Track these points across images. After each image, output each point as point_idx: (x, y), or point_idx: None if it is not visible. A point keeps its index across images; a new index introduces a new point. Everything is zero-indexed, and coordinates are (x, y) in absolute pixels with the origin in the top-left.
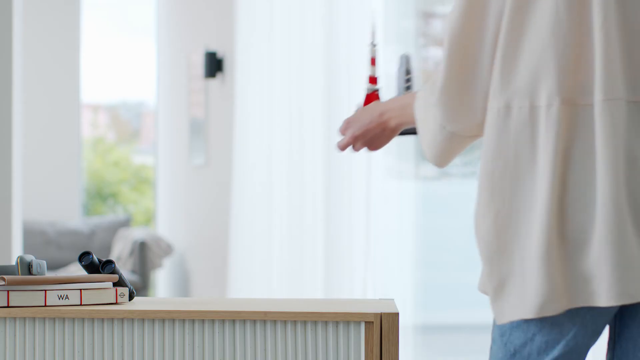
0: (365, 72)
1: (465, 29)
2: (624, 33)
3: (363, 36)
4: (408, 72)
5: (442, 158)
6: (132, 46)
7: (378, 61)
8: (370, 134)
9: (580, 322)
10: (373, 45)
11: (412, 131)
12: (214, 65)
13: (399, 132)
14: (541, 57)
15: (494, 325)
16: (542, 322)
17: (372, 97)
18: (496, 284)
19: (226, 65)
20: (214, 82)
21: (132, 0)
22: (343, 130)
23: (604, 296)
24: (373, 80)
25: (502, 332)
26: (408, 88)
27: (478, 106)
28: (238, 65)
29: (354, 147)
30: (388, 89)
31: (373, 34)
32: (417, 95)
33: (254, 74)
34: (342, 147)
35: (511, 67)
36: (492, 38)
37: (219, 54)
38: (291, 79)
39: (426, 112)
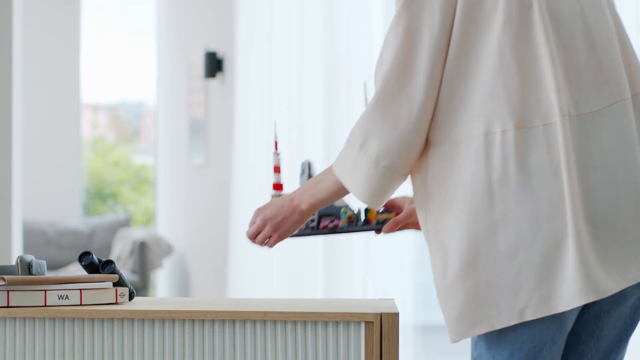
0: (271, 180)
1: (401, 65)
2: (565, 63)
3: (363, 36)
4: (310, 177)
5: (378, 197)
6: (132, 46)
7: (282, 169)
8: (279, 217)
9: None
10: (277, 154)
11: (305, 233)
12: (214, 65)
13: (301, 224)
14: (492, 92)
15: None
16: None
17: None
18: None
19: (226, 65)
20: (214, 82)
21: (132, 0)
22: (254, 218)
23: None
24: (278, 186)
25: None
26: None
27: (418, 140)
28: (238, 65)
29: (264, 233)
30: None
31: (276, 144)
32: (335, 161)
33: (254, 74)
34: (252, 235)
35: (460, 104)
36: (427, 72)
37: (219, 54)
38: (291, 79)
39: (355, 160)
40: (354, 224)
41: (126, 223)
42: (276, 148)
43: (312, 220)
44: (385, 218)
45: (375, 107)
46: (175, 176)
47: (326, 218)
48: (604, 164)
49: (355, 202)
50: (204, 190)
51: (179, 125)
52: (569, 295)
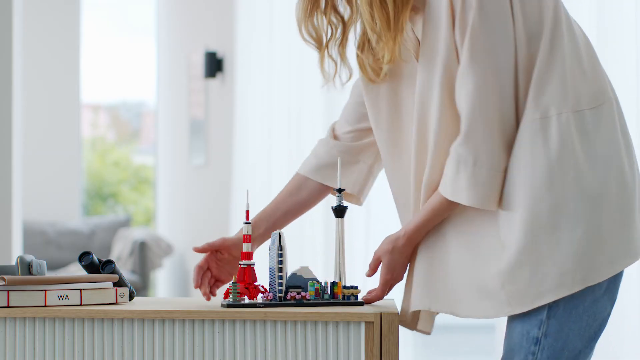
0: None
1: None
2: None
3: None
4: (280, 248)
5: (497, 199)
6: (132, 46)
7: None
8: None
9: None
10: (248, 223)
11: (272, 304)
12: (214, 65)
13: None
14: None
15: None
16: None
17: (247, 270)
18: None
19: (226, 65)
20: (214, 82)
21: (132, 1)
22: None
23: None
24: (248, 255)
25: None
26: (280, 262)
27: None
28: (238, 65)
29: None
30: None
31: (247, 213)
32: (443, 188)
33: (254, 74)
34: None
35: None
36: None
37: (219, 54)
38: (291, 79)
39: (471, 177)
40: (320, 297)
41: (126, 223)
42: (247, 218)
43: (280, 291)
44: (351, 293)
45: (474, 126)
46: (175, 176)
47: (293, 290)
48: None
49: (322, 277)
50: (204, 190)
51: (179, 125)
52: None
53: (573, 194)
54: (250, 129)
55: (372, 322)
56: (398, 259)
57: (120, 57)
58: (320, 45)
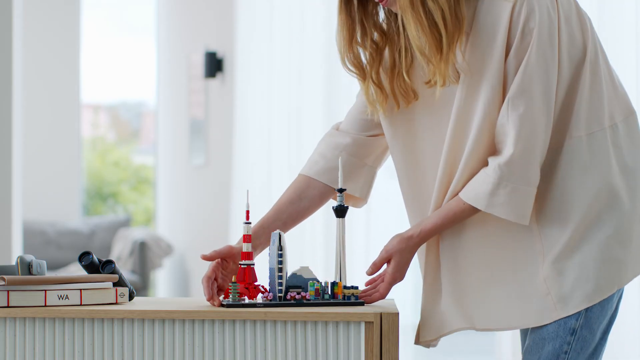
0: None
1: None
2: None
3: None
4: (280, 248)
5: (529, 213)
6: (132, 46)
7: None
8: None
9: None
10: (248, 223)
11: (271, 303)
12: (214, 65)
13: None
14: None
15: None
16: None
17: (247, 270)
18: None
19: (226, 65)
20: (214, 82)
21: (132, 0)
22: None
23: None
24: (248, 255)
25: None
26: (280, 262)
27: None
28: (238, 65)
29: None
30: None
31: (247, 213)
32: (481, 201)
33: (254, 74)
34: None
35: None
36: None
37: (219, 54)
38: (291, 79)
39: (512, 192)
40: (320, 297)
41: (126, 223)
42: (247, 218)
43: (280, 291)
44: (351, 293)
45: (521, 148)
46: (175, 176)
47: (294, 290)
48: None
49: (322, 276)
50: (204, 190)
51: (179, 125)
52: None
53: (609, 203)
54: (250, 129)
55: (372, 322)
56: (408, 258)
57: (120, 57)
58: (363, 74)
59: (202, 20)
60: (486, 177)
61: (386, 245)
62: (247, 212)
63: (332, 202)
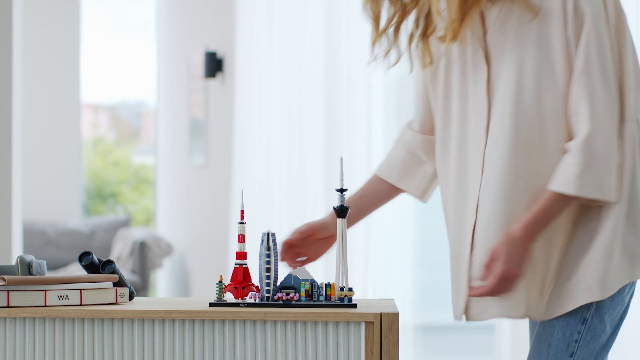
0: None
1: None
2: None
3: (363, 36)
4: (268, 248)
5: (619, 191)
6: (132, 46)
7: (247, 238)
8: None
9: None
10: (242, 223)
11: (257, 304)
12: (214, 65)
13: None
14: None
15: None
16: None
17: (240, 270)
18: None
19: (226, 65)
20: (214, 82)
21: (132, 0)
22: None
23: None
24: (242, 255)
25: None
26: (268, 263)
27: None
28: (238, 65)
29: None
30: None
31: (242, 213)
32: (572, 187)
33: (254, 74)
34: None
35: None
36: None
37: (219, 54)
38: (291, 79)
39: (601, 171)
40: (312, 298)
41: (126, 223)
42: (242, 218)
43: (268, 292)
44: (345, 295)
45: (602, 123)
46: (175, 176)
47: (284, 290)
48: None
49: (322, 277)
50: (204, 190)
51: (179, 125)
52: None
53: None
54: (250, 129)
55: (372, 322)
56: (515, 250)
57: (120, 56)
58: (377, 24)
59: (202, 20)
60: (571, 161)
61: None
62: (242, 212)
63: (334, 202)
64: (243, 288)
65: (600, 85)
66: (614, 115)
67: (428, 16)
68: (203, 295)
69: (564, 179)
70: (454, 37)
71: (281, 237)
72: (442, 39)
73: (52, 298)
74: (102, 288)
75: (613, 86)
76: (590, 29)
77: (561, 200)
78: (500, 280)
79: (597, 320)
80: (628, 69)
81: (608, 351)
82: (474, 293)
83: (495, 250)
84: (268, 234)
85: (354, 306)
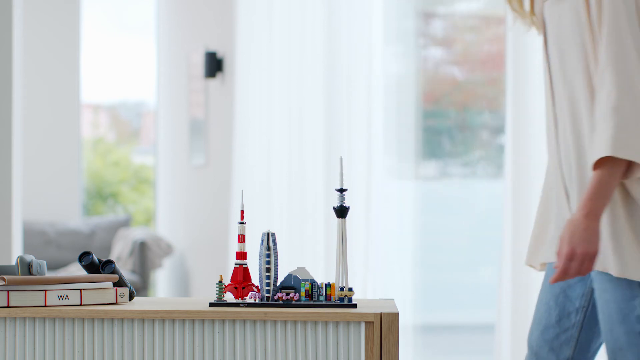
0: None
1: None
2: None
3: (363, 36)
4: (268, 248)
5: None
6: (132, 46)
7: (247, 238)
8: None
9: None
10: (242, 223)
11: (257, 304)
12: (214, 65)
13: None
14: None
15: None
16: None
17: (240, 270)
18: None
19: (226, 65)
20: (214, 82)
21: (132, 0)
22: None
23: None
24: (242, 255)
25: None
26: (268, 263)
27: None
28: (238, 65)
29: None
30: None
31: (242, 213)
32: (617, 150)
33: (254, 74)
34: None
35: None
36: None
37: (219, 54)
38: (291, 79)
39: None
40: (312, 298)
41: (126, 223)
42: (242, 218)
43: (268, 291)
44: (344, 295)
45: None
46: (175, 176)
47: (284, 290)
48: None
49: (322, 277)
50: (204, 190)
51: (179, 125)
52: None
53: None
54: (250, 129)
55: (372, 322)
56: (577, 230)
57: (120, 56)
58: None
59: (202, 20)
60: (603, 126)
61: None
62: (242, 212)
63: (334, 202)
64: (243, 288)
65: (626, 52)
66: None
67: None
68: (203, 295)
69: (599, 145)
70: None
71: (281, 237)
72: None
73: (52, 298)
74: (102, 288)
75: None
76: (610, 6)
77: (604, 171)
78: (568, 261)
79: None
80: None
81: None
82: (551, 280)
83: (562, 236)
84: (268, 234)
85: (354, 306)
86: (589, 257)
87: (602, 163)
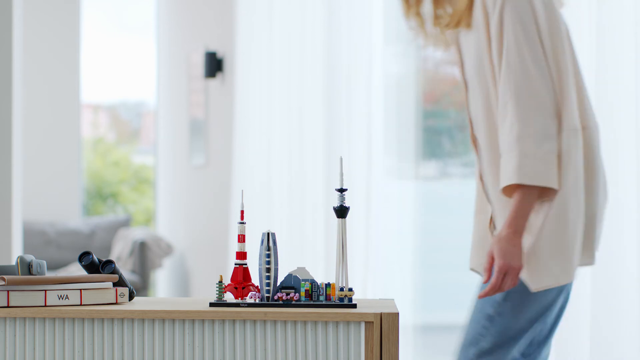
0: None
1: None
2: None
3: (363, 36)
4: (268, 248)
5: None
6: (132, 46)
7: (247, 238)
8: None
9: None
10: (242, 223)
11: (257, 304)
12: (214, 65)
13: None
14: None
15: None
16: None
17: (240, 270)
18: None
19: (226, 65)
20: (214, 82)
21: (132, 0)
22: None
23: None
24: (242, 255)
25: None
26: (268, 263)
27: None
28: (238, 65)
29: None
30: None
31: (242, 213)
32: (513, 177)
33: (254, 74)
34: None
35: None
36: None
37: (219, 54)
38: (291, 79)
39: (535, 158)
40: (312, 298)
41: (126, 223)
42: (242, 218)
43: (268, 291)
44: (345, 295)
45: (523, 110)
46: (175, 176)
47: (284, 290)
48: None
49: (322, 277)
50: (204, 190)
51: (179, 125)
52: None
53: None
54: (250, 129)
55: (372, 322)
56: (507, 246)
57: (120, 56)
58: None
59: (202, 20)
60: (509, 155)
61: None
62: (242, 212)
63: (334, 202)
64: (243, 288)
65: (527, 82)
66: (544, 111)
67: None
68: (203, 295)
69: (507, 174)
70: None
71: (281, 237)
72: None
73: (52, 298)
74: (102, 288)
75: (537, 86)
76: (511, 38)
77: (521, 194)
78: (502, 275)
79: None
80: (566, 77)
81: (518, 340)
82: (482, 295)
83: (491, 252)
84: (268, 234)
85: (354, 306)
86: (518, 272)
87: (517, 187)
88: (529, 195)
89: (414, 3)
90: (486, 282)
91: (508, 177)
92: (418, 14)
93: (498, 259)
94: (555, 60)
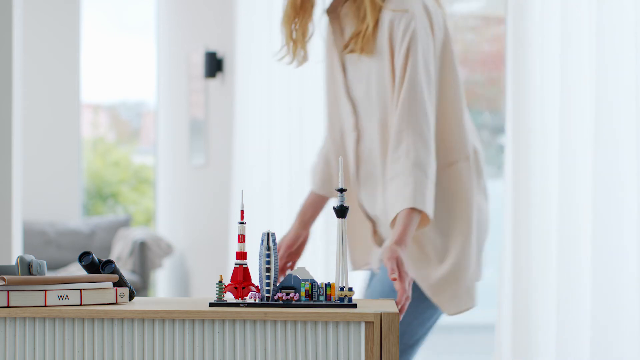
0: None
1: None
2: None
3: None
4: (268, 248)
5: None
6: (132, 46)
7: (247, 238)
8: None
9: None
10: (242, 223)
11: (257, 304)
12: (214, 65)
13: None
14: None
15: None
16: None
17: (240, 270)
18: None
19: (226, 65)
20: (214, 82)
21: (132, 0)
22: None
23: None
24: (242, 255)
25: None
26: (268, 263)
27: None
28: (238, 65)
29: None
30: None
31: (242, 213)
32: (418, 203)
33: (254, 74)
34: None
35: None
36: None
37: (219, 54)
38: (291, 79)
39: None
40: (312, 298)
41: (126, 223)
42: (242, 218)
43: (268, 291)
44: (345, 294)
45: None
46: (175, 176)
47: (284, 290)
48: None
49: (322, 277)
50: (204, 190)
51: (179, 125)
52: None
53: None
54: (250, 129)
55: (372, 322)
56: (404, 258)
57: (120, 56)
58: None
59: (202, 20)
60: (403, 178)
61: (385, 254)
62: (242, 212)
63: (334, 202)
64: (243, 288)
65: (423, 114)
66: (428, 143)
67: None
68: (203, 295)
69: (404, 197)
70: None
71: (281, 238)
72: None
73: (52, 298)
74: (102, 288)
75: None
76: (414, 75)
77: (411, 215)
78: (409, 286)
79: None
80: (450, 109)
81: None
82: (402, 311)
83: (393, 264)
84: (268, 234)
85: (354, 306)
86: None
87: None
88: (416, 218)
89: (304, 15)
90: (400, 291)
91: (406, 201)
92: (303, 28)
93: (409, 271)
94: (443, 94)
